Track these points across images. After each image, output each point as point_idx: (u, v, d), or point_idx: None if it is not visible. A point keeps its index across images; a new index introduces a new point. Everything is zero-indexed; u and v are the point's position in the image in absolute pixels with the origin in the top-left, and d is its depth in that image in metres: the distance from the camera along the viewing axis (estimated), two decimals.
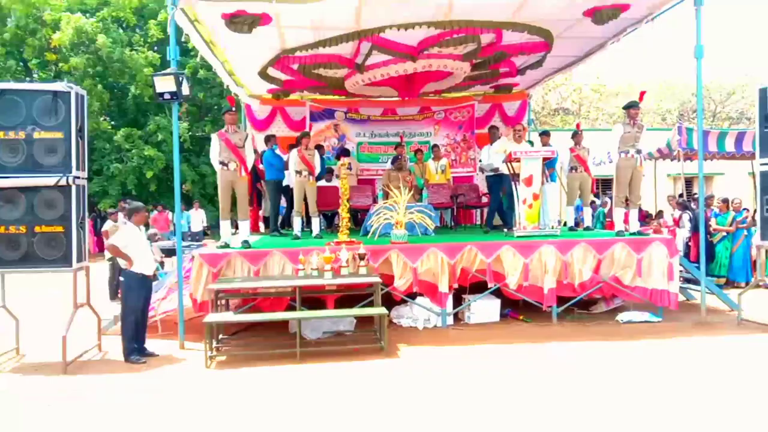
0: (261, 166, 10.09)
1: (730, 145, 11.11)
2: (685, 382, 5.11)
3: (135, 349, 6.22)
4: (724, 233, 10.22)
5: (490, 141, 9.70)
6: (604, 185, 19.57)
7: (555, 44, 8.95)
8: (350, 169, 11.65)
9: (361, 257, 6.92)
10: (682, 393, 4.81)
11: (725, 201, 10.52)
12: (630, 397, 4.72)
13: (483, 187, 11.52)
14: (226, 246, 7.50)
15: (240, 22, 7.08)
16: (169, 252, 10.35)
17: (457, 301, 7.69)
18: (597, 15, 7.52)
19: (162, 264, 10.38)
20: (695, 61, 7.35)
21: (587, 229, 9.42)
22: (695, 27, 7.26)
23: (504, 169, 8.76)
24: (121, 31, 19.50)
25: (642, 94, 8.54)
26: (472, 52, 8.97)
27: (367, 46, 8.48)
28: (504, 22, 7.93)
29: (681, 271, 8.28)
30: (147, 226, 16.58)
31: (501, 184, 9.23)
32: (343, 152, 11.64)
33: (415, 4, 6.97)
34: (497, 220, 9.94)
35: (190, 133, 21.64)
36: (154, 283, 7.23)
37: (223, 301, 6.89)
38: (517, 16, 7.79)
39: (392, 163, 10.90)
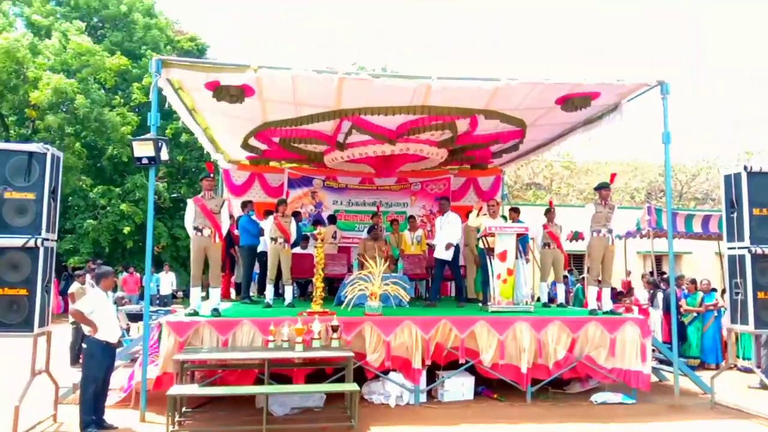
0: (236, 232, 10.03)
1: (697, 226, 11.42)
2: None
3: (92, 421, 5.91)
4: (695, 314, 10.32)
5: (441, 213, 9.59)
6: (576, 262, 19.82)
7: (528, 131, 9.30)
8: (335, 238, 11.64)
9: (334, 329, 6.79)
10: None
11: (693, 281, 10.70)
12: None
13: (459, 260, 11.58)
14: (195, 314, 7.31)
15: (224, 92, 7.19)
16: (136, 317, 10.03)
17: (431, 377, 7.53)
18: (568, 103, 7.84)
19: (128, 330, 10.04)
20: (663, 146, 7.65)
21: (561, 305, 9.47)
22: (662, 114, 7.58)
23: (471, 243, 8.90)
24: (102, 91, 19.64)
25: (613, 176, 8.81)
26: (449, 140, 9.28)
27: (348, 125, 8.68)
28: (478, 109, 8.23)
29: (654, 351, 8.30)
30: (115, 288, 16.25)
31: (457, 259, 9.29)
32: (320, 221, 11.67)
33: (394, 88, 7.16)
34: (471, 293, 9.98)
35: (167, 194, 21.55)
36: (118, 351, 6.98)
37: (189, 372, 6.64)
38: (491, 104, 8.10)
39: (368, 232, 10.92)
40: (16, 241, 5.85)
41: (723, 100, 50.20)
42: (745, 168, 7.01)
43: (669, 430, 6.27)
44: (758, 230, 6.85)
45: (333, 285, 10.45)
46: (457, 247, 9.16)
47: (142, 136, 6.63)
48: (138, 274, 17.27)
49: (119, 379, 7.23)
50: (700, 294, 10.43)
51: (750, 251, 6.79)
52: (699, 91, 51.47)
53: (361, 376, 7.13)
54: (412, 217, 11.79)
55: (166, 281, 17.48)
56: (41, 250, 5.92)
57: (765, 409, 6.88)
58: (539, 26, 66.80)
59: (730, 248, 7.08)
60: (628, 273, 15.01)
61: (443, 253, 8.95)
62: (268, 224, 9.00)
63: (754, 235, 6.84)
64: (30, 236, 5.88)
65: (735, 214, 6.99)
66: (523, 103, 8.01)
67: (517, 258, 8.65)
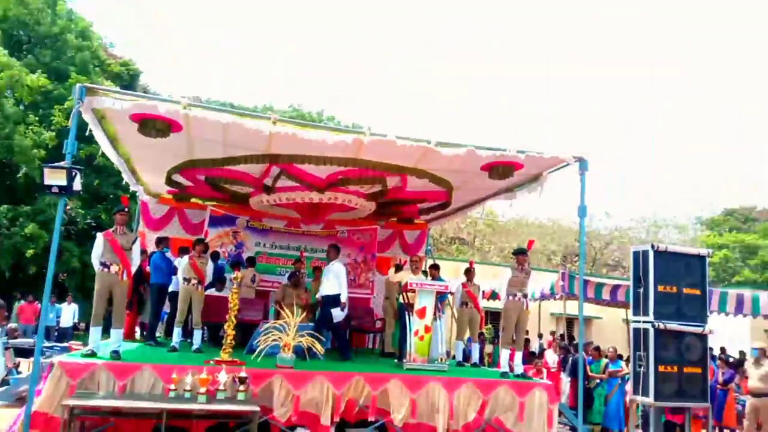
0: (148, 268, 9.56)
1: (606, 294, 11.92)
2: None
3: None
4: (598, 380, 10.64)
5: (329, 259, 9.30)
6: (493, 319, 20.19)
7: (454, 193, 9.54)
8: (253, 281, 11.30)
9: (242, 381, 6.50)
10: None
11: (597, 349, 11.08)
12: None
13: (378, 311, 11.52)
14: (93, 355, 6.83)
15: (150, 126, 6.95)
16: (29, 352, 9.28)
17: None
18: (493, 170, 8.10)
19: (17, 367, 9.26)
20: (579, 219, 8.00)
21: (474, 365, 9.53)
22: (580, 189, 7.95)
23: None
24: (18, 107, 18.65)
25: (530, 243, 9.10)
26: (378, 193, 9.37)
27: (277, 170, 8.59)
28: (408, 167, 8.38)
29: (560, 415, 8.46)
30: (8, 318, 15.06)
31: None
32: (238, 263, 11.32)
33: (326, 142, 7.17)
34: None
35: (82, 219, 20.41)
36: (2, 389, 6.39)
37: (77, 420, 6.13)
38: (420, 163, 8.27)
39: (289, 278, 10.69)
40: None
41: (637, 173, 53.73)
42: (653, 246, 7.41)
43: None
44: (662, 306, 7.19)
45: (248, 330, 10.09)
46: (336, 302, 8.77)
47: (54, 164, 6.27)
48: (37, 303, 16.10)
49: (1, 420, 6.60)
50: (604, 361, 10.80)
51: (653, 326, 7.09)
52: (612, 160, 54.85)
53: (265, 429, 6.81)
54: None
55: (68, 312, 16.42)
56: None
57: None
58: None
59: (635, 321, 7.39)
60: (540, 336, 15.45)
61: (338, 315, 8.73)
62: (182, 263, 8.65)
63: (658, 311, 7.16)
64: None
65: (641, 289, 7.33)
66: (450, 166, 8.21)
67: (435, 317, 8.69)
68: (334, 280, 8.77)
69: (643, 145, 63.21)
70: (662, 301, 7.22)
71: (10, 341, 7.39)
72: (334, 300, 8.73)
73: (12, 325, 11.31)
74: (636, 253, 7.52)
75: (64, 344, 11.17)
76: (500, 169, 8.00)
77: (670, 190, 52.87)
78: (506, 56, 73.13)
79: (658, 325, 7.09)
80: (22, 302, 15.98)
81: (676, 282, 7.33)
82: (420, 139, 7.40)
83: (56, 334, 15.06)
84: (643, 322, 7.23)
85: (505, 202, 9.90)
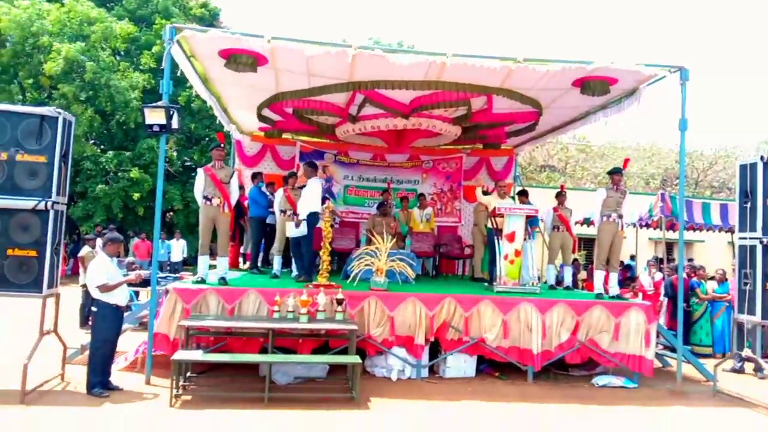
0: (246, 203, 10.05)
1: (715, 218, 11.27)
2: None
3: (99, 382, 6.02)
4: (707, 303, 10.21)
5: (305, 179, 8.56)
6: (586, 245, 19.71)
7: (544, 113, 9.17)
8: (337, 218, 11.59)
9: (339, 302, 6.84)
10: None
11: (695, 269, 10.60)
12: None
13: (467, 239, 11.57)
14: (202, 282, 7.38)
15: (237, 61, 7.14)
16: (145, 282, 10.15)
17: (434, 353, 7.59)
18: (586, 86, 7.71)
19: (137, 294, 10.18)
20: (680, 132, 7.53)
21: (567, 288, 9.45)
22: (680, 101, 7.45)
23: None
24: (111, 57, 19.66)
25: (626, 161, 8.70)
26: (463, 117, 9.17)
27: (360, 97, 8.61)
28: (494, 87, 8.12)
29: (659, 337, 8.28)
30: (127, 253, 16.43)
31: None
32: (330, 195, 11.66)
33: (409, 63, 7.07)
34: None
35: (178, 161, 21.60)
36: (126, 315, 7.08)
37: (194, 339, 6.73)
38: (506, 83, 7.98)
39: (378, 208, 10.90)
40: (27, 204, 5.91)
41: (744, 88, 49.26)
42: (761, 158, 6.90)
43: (667, 415, 6.28)
44: None
45: (342, 258, 10.50)
46: (314, 219, 8.21)
47: (153, 104, 6.63)
48: (149, 241, 17.43)
49: (127, 343, 7.36)
50: (710, 283, 10.33)
51: (761, 242, 6.71)
52: (720, 77, 50.49)
53: (362, 351, 7.18)
54: (422, 194, 11.76)
55: (177, 248, 17.65)
56: (51, 213, 5.98)
57: (765, 398, 6.87)
58: (559, 6, 65.64)
59: (741, 238, 7.00)
60: (632, 257, 14.95)
61: (293, 231, 8.08)
62: (278, 196, 9.01)
63: (767, 226, 6.75)
64: (41, 199, 5.93)
65: (748, 204, 6.90)
66: (539, 84, 7.89)
67: (525, 240, 8.62)
68: (307, 199, 8.18)
69: (752, 52, 57.47)
70: None
71: (128, 273, 8.11)
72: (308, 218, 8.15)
73: (130, 258, 12.35)
74: (743, 167, 7.04)
75: (177, 275, 12.12)
76: (593, 85, 7.61)
77: None
78: None
79: (767, 241, 6.68)
80: (136, 240, 17.36)
81: None
82: (506, 57, 7.14)
83: (168, 268, 16.30)
84: (750, 238, 6.84)
85: (599, 124, 9.41)
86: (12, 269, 5.89)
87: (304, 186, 10.57)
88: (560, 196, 9.51)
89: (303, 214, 8.08)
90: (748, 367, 8.66)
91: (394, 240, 8.84)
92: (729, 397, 7.16)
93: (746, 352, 7.65)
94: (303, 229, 8.08)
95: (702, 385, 7.73)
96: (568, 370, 7.98)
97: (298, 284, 7.53)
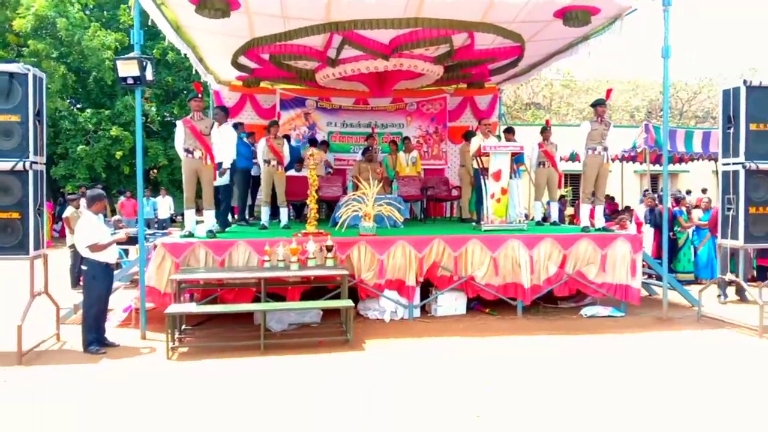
0: None
1: (697, 146, 11.29)
2: (644, 374, 5.20)
3: (95, 339, 6.07)
4: (690, 231, 10.38)
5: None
6: (572, 181, 19.82)
7: (527, 47, 9.01)
8: (329, 168, 11.52)
9: (329, 249, 6.87)
10: (640, 385, 4.89)
11: (679, 199, 10.74)
12: (587, 387, 4.78)
13: (454, 180, 11.57)
14: (190, 235, 7.37)
15: (208, 6, 6.90)
16: (133, 240, 10.12)
17: (425, 293, 7.70)
18: (568, 17, 7.56)
19: (126, 252, 10.16)
20: (663, 60, 7.46)
21: (554, 224, 9.54)
22: (663, 27, 7.33)
23: None
24: (82, 13, 18.93)
25: (608, 91, 8.62)
26: (445, 55, 8.99)
27: (339, 39, 8.40)
28: (475, 22, 7.93)
29: (645, 267, 8.44)
30: (113, 212, 16.31)
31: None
32: (315, 142, 11.54)
33: (386, 2, 6.86)
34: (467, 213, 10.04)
35: (158, 117, 21.16)
36: (116, 272, 7.09)
37: (186, 292, 6.77)
38: (487, 17, 7.79)
39: (363, 154, 10.84)
40: (5, 165, 5.79)
41: (728, 15, 48.65)
42: (745, 82, 6.86)
43: (654, 340, 6.47)
44: (754, 145, 6.77)
45: (329, 206, 10.49)
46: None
47: (125, 56, 6.43)
48: (135, 199, 17.28)
49: (119, 301, 7.39)
50: (695, 211, 10.48)
51: (744, 167, 6.75)
52: (703, 5, 49.78)
53: (355, 296, 7.27)
54: (407, 138, 11.68)
55: (164, 205, 17.56)
56: (30, 173, 5.87)
57: (748, 319, 7.08)
58: None
59: (724, 164, 7.03)
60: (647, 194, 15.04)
61: (219, 180, 7.91)
62: (260, 146, 8.90)
63: (750, 151, 6.77)
64: (18, 159, 5.82)
65: (732, 130, 6.90)
66: (520, 16, 7.73)
67: (511, 177, 8.63)
68: (220, 146, 7.72)
69: None
70: (755, 140, 6.77)
71: (115, 231, 8.07)
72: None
73: (116, 217, 12.28)
74: (726, 92, 6.99)
75: (164, 231, 12.09)
76: (575, 15, 7.47)
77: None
78: None
79: (749, 166, 6.73)
80: (122, 198, 17.20)
81: None
82: None
83: (155, 225, 16.24)
84: (733, 164, 6.87)
85: (583, 58, 9.30)
86: None
87: (287, 136, 10.51)
88: (545, 131, 9.47)
89: (226, 162, 7.83)
90: (731, 293, 8.89)
91: (381, 185, 8.82)
92: (713, 320, 7.37)
93: (730, 276, 7.82)
94: (225, 179, 8.18)
95: (687, 310, 7.94)
96: (557, 303, 8.17)
97: (286, 234, 7.52)
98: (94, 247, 5.97)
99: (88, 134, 18.82)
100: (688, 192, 13.59)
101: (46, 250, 6.34)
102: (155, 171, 21.21)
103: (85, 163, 18.64)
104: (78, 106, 20.42)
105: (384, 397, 4.68)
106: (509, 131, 9.93)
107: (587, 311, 7.72)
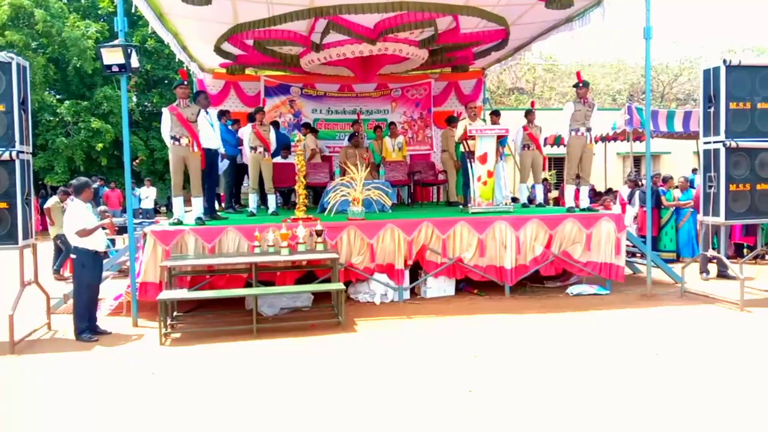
0: None
1: (678, 125, 11.45)
2: (630, 346, 5.34)
3: (87, 327, 6.09)
4: (672, 209, 10.58)
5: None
6: (556, 164, 20.00)
7: (511, 30, 9.07)
8: (318, 152, 11.53)
9: (318, 234, 6.91)
10: (627, 357, 5.03)
11: (665, 180, 10.94)
12: (574, 361, 4.91)
13: (439, 165, 11.64)
14: (179, 223, 7.36)
15: None
16: (121, 229, 10.09)
17: (414, 276, 7.80)
18: None
19: (113, 242, 10.12)
20: (644, 41, 7.56)
21: (540, 205, 9.66)
22: (645, 8, 7.44)
23: None
24: (61, 2, 18.63)
25: (578, 74, 8.72)
26: (430, 38, 9.00)
27: (323, 23, 8.38)
28: (459, 5, 7.97)
29: (629, 246, 8.60)
30: (98, 203, 16.18)
31: None
32: (307, 126, 11.57)
33: None
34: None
35: (138, 107, 20.96)
36: (105, 261, 7.07)
37: (177, 279, 6.79)
38: (471, 0, 7.83)
39: (349, 140, 10.86)
40: None
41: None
42: (724, 62, 6.98)
43: (639, 316, 6.62)
44: (734, 124, 6.92)
45: (318, 192, 10.51)
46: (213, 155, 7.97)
47: (110, 43, 6.40)
48: (120, 190, 17.18)
49: (109, 290, 7.39)
50: (675, 191, 10.68)
51: (725, 145, 6.89)
52: None
53: (346, 278, 7.33)
54: (392, 123, 11.71)
55: (148, 195, 17.44)
56: (17, 163, 5.84)
57: (729, 294, 7.26)
58: None
59: (705, 143, 7.17)
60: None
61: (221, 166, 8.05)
62: (246, 133, 8.89)
63: (730, 129, 6.92)
64: (4, 149, 5.78)
65: (712, 109, 7.04)
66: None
67: (497, 161, 8.72)
68: (202, 132, 7.68)
69: None
70: (734, 119, 6.92)
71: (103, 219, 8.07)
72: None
73: (102, 207, 12.18)
74: (706, 71, 7.12)
75: (151, 220, 12.05)
76: None
77: (748, 9, 48.08)
78: None
79: (730, 144, 6.87)
80: (106, 189, 17.08)
81: (750, 98, 6.97)
82: None
83: (140, 215, 16.16)
84: (714, 142, 7.02)
85: (565, 41, 9.39)
86: None
87: (274, 122, 10.50)
88: (530, 114, 9.55)
89: (221, 149, 7.95)
90: (713, 269, 9.09)
91: (368, 170, 8.86)
92: (695, 296, 7.56)
93: (711, 252, 8.00)
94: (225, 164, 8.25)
95: (671, 287, 8.12)
96: (544, 282, 8.31)
97: (275, 221, 7.55)
98: (82, 232, 5.97)
99: (67, 126, 18.60)
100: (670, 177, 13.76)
101: (35, 239, 6.33)
102: (136, 162, 21.06)
103: (65, 156, 18.45)
104: (57, 97, 20.17)
105: (378, 374, 4.77)
106: (495, 114, 10.00)
107: (573, 290, 7.86)
